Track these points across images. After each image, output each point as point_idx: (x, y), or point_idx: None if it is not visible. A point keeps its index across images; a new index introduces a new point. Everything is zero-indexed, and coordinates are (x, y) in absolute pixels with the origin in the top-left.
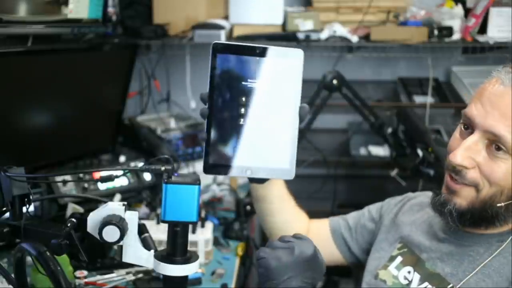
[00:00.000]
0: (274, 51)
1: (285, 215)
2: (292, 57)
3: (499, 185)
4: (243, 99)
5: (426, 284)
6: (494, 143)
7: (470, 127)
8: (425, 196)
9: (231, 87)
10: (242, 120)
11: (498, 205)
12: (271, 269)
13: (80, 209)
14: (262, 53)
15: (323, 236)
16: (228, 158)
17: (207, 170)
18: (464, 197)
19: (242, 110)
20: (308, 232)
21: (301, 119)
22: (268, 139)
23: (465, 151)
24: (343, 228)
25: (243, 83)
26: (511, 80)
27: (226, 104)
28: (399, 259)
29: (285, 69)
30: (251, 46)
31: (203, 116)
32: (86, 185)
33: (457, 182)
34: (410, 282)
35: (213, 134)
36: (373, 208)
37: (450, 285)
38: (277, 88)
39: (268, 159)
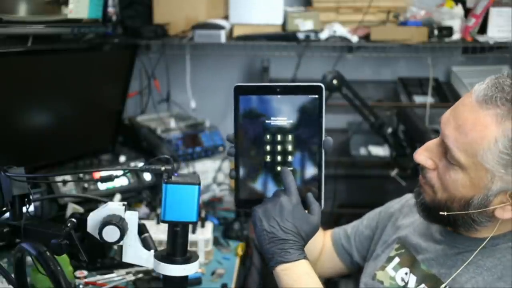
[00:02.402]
0: (294, 88)
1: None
2: (312, 92)
3: (450, 193)
4: (268, 137)
5: (422, 285)
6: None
7: None
8: None
9: (255, 126)
10: (268, 157)
11: (444, 213)
12: (257, 216)
13: (80, 209)
14: (282, 91)
15: (326, 249)
16: (258, 193)
17: (239, 205)
18: (427, 194)
19: (268, 147)
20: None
21: (325, 152)
22: (295, 173)
23: (424, 151)
24: (342, 238)
25: (267, 121)
26: (476, 93)
27: (252, 143)
28: (396, 259)
29: (306, 104)
30: (272, 85)
31: (230, 155)
32: (86, 185)
33: (422, 179)
34: (406, 283)
35: (241, 171)
36: (371, 215)
37: (444, 284)
38: (300, 124)
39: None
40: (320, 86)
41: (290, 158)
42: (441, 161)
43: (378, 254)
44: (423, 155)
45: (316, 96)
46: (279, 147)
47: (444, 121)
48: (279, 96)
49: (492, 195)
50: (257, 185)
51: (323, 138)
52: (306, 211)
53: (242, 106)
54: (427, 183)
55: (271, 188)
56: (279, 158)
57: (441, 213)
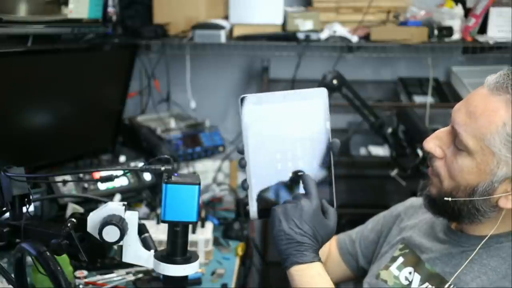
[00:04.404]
0: (298, 95)
1: None
2: (316, 96)
3: (455, 181)
4: (277, 144)
5: (426, 284)
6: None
7: None
8: None
9: (264, 135)
10: (279, 165)
11: (448, 199)
12: (276, 216)
13: (80, 209)
14: (287, 98)
15: (332, 255)
16: (271, 202)
17: (253, 216)
18: (434, 185)
19: (278, 155)
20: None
21: (333, 154)
22: None
23: (435, 139)
24: (348, 243)
25: (275, 130)
26: (489, 81)
27: (262, 152)
28: (400, 259)
29: (311, 109)
30: (276, 94)
31: (242, 167)
32: (86, 185)
33: (430, 170)
34: (410, 282)
35: (254, 181)
36: (375, 219)
37: (448, 283)
38: (306, 129)
39: None
40: (322, 89)
41: (301, 163)
42: (449, 149)
43: (382, 254)
44: (432, 143)
45: (321, 99)
46: (289, 154)
47: (456, 109)
48: (284, 103)
49: (497, 182)
50: (270, 194)
51: (330, 140)
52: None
53: (249, 116)
54: (434, 173)
55: (284, 196)
56: (289, 164)
57: (445, 198)
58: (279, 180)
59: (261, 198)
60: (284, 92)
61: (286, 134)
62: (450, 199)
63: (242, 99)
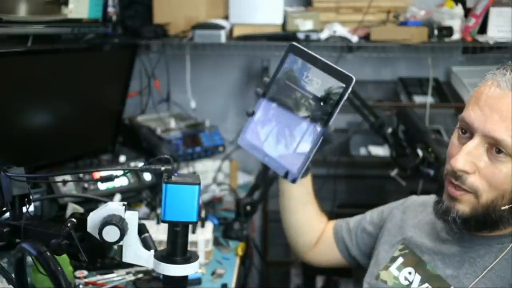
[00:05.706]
0: (331, 69)
1: (304, 215)
2: (343, 80)
3: (500, 189)
4: (292, 98)
5: (426, 285)
6: (495, 147)
7: (468, 132)
8: (429, 197)
9: (287, 84)
10: (283, 115)
11: (503, 208)
12: None
13: (80, 209)
14: (321, 66)
15: (327, 237)
16: (259, 140)
17: (242, 142)
18: (466, 204)
19: (287, 107)
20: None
21: (324, 138)
22: (294, 141)
23: (467, 156)
24: (344, 230)
25: (298, 85)
26: (507, 83)
27: (277, 97)
28: (400, 260)
29: (333, 88)
30: (317, 58)
31: (257, 95)
32: (86, 185)
33: (457, 189)
34: (410, 283)
35: (257, 113)
36: (374, 212)
37: (448, 284)
38: (320, 101)
39: (285, 157)
40: (351, 78)
41: (297, 125)
42: (481, 162)
43: (381, 254)
44: (462, 160)
45: (344, 85)
46: (295, 111)
47: (479, 119)
48: (317, 69)
49: None
50: (262, 133)
51: (330, 123)
52: None
53: (287, 62)
54: (467, 192)
55: (271, 142)
56: (289, 121)
57: (503, 208)
58: (274, 127)
59: (254, 130)
60: (324, 61)
61: (302, 94)
62: (507, 207)
63: (290, 45)
